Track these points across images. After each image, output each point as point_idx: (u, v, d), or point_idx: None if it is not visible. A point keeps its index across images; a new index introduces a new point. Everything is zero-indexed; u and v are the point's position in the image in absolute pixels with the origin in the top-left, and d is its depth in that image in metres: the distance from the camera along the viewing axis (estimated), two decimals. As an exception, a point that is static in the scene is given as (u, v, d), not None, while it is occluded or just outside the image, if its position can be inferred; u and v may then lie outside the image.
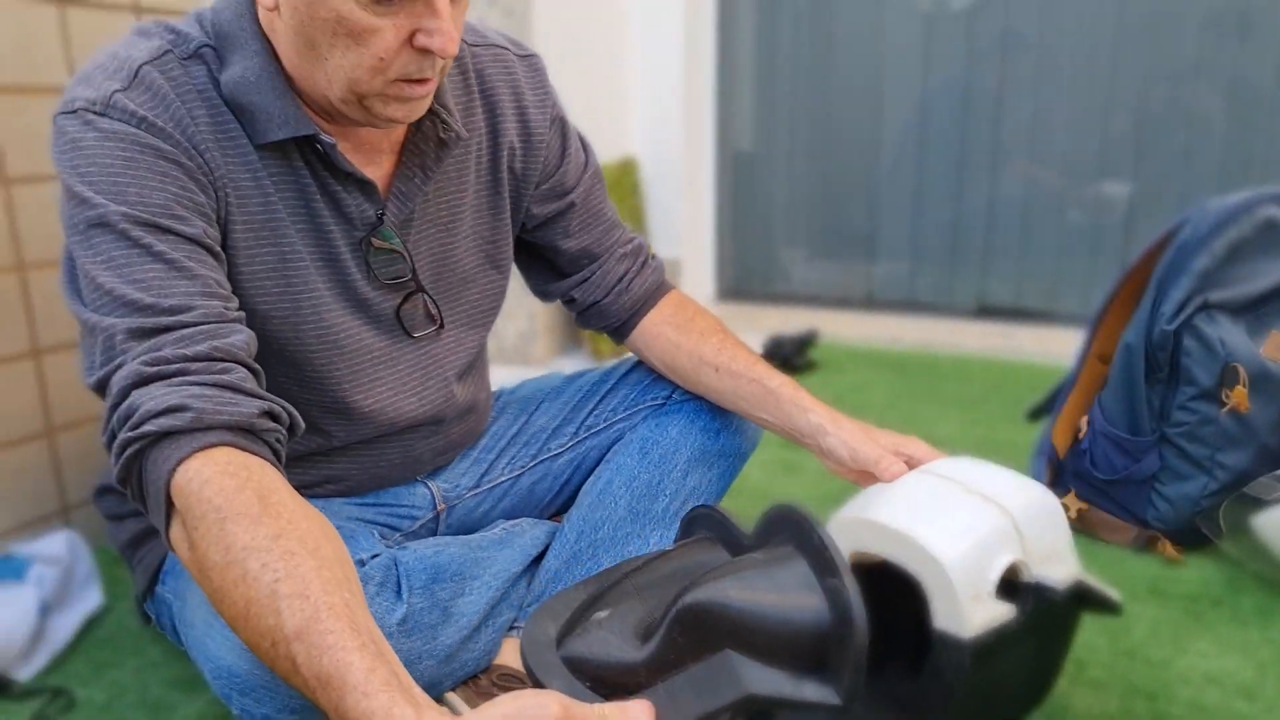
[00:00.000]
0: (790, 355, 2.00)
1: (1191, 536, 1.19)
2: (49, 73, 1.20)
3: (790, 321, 2.42)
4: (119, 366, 0.70)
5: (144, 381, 0.69)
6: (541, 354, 2.14)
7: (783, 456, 1.57)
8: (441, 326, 0.96)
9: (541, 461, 1.13)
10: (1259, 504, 1.07)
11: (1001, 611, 0.76)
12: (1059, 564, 0.80)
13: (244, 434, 0.70)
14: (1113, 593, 0.83)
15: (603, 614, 0.69)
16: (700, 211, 2.61)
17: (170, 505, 0.68)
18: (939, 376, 1.97)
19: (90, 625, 1.12)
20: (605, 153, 2.34)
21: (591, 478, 1.08)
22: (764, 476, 1.46)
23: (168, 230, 0.74)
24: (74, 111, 0.75)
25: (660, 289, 1.09)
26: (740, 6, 2.51)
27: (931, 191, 2.43)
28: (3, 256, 1.17)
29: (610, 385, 1.14)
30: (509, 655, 0.92)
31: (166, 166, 0.76)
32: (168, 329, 0.71)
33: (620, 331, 1.09)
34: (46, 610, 1.08)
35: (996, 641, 0.75)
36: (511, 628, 0.95)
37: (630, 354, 1.16)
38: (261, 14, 0.79)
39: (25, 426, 1.22)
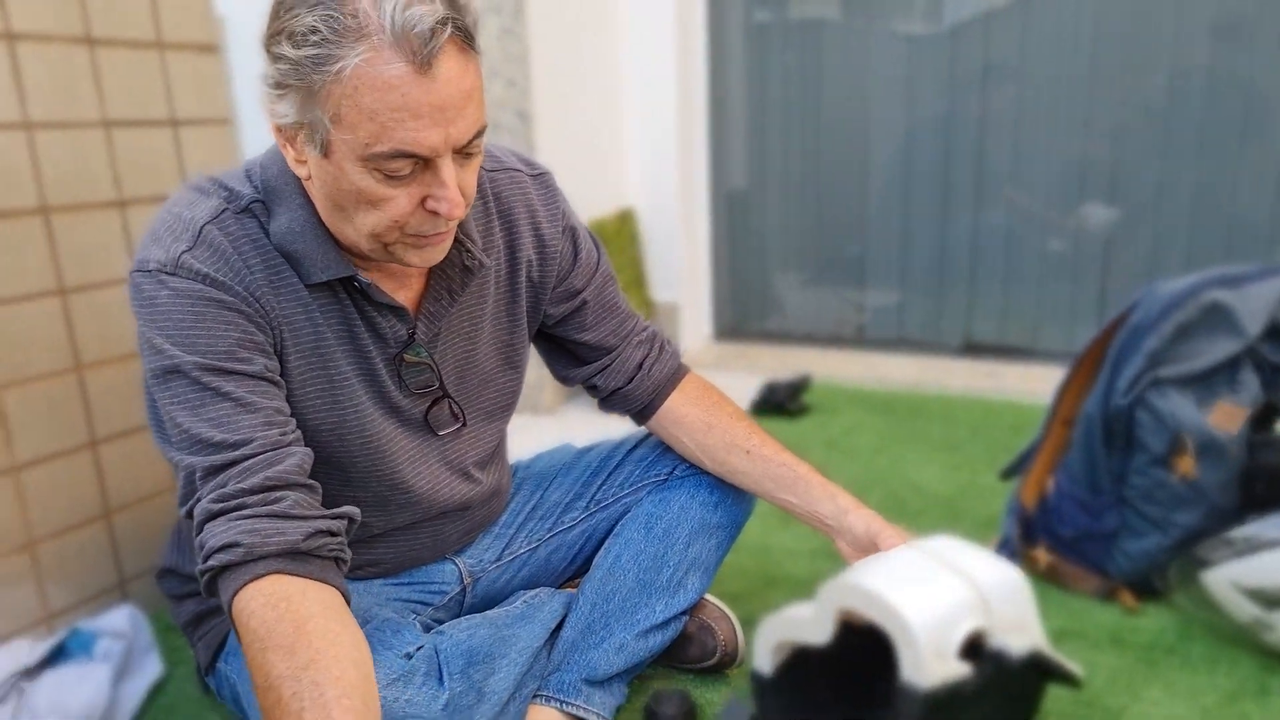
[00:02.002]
0: (784, 400, 2.11)
1: (1149, 587, 1.30)
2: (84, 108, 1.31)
3: (785, 360, 2.53)
4: (197, 502, 0.85)
5: (212, 518, 0.83)
6: (549, 402, 2.26)
7: (778, 510, 1.69)
8: (464, 425, 1.08)
9: (556, 534, 1.24)
10: (1205, 562, 1.18)
11: (960, 670, 0.86)
12: (1020, 635, 0.91)
13: (293, 558, 0.82)
14: (1073, 666, 0.94)
15: None
16: (697, 254, 2.72)
17: (235, 625, 0.81)
18: (926, 418, 2.08)
19: (153, 693, 1.24)
20: (604, 205, 2.47)
21: (601, 551, 1.19)
22: (762, 529, 1.57)
23: (232, 372, 0.87)
24: (149, 271, 0.88)
25: (678, 372, 1.20)
26: (730, 49, 2.62)
27: (918, 222, 2.53)
28: (63, 359, 1.29)
29: (617, 461, 1.25)
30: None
31: (230, 315, 0.88)
32: (232, 463, 0.85)
33: (643, 414, 1.19)
34: (116, 681, 1.20)
35: (952, 697, 0.86)
36: (535, 695, 1.06)
37: (635, 430, 1.28)
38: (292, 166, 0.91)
39: (86, 510, 1.34)
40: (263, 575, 0.80)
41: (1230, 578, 1.16)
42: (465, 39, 0.82)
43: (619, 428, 1.28)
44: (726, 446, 1.14)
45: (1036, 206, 2.41)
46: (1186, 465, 1.22)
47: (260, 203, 0.92)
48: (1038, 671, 0.95)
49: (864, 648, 0.90)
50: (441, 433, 1.06)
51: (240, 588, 0.80)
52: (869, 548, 1.04)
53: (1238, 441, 1.24)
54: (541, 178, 1.11)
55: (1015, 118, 2.38)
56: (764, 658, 0.99)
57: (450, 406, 1.06)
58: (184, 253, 0.87)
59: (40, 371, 1.27)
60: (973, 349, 2.50)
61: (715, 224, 2.73)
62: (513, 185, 1.08)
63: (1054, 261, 2.42)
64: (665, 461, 1.22)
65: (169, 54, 1.38)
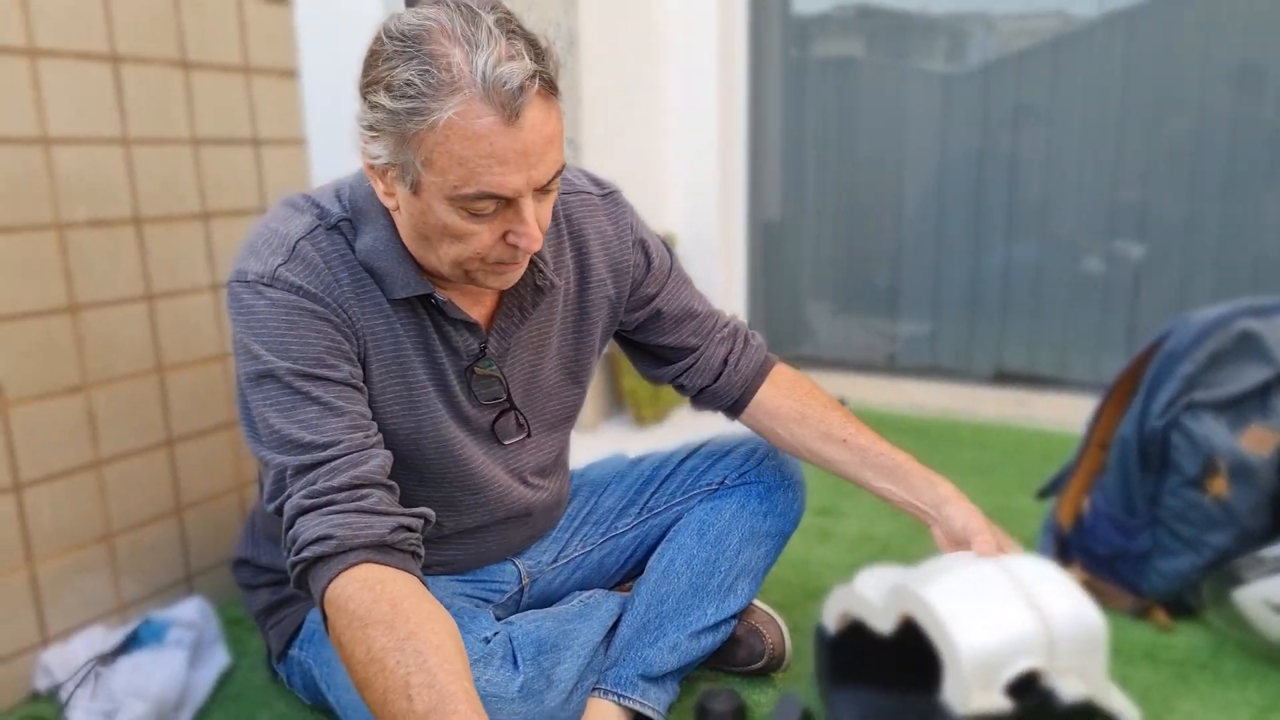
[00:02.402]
0: (819, 422, 2.15)
1: (1182, 606, 1.34)
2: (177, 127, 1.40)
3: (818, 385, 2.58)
4: (288, 498, 0.91)
5: (303, 513, 0.89)
6: (590, 419, 2.32)
7: (818, 524, 1.74)
8: (529, 435, 1.13)
9: (610, 539, 1.30)
10: (1237, 581, 1.22)
11: (1001, 704, 0.88)
12: (1078, 680, 0.91)
13: (380, 550, 0.88)
14: (1130, 716, 0.93)
15: None
16: (733, 280, 2.79)
17: (324, 613, 0.87)
18: (959, 443, 2.13)
19: (221, 682, 1.29)
20: (646, 231, 2.54)
21: (655, 555, 1.24)
22: (802, 545, 1.62)
23: (321, 378, 0.93)
24: (247, 282, 0.94)
25: (765, 365, 1.22)
26: (769, 86, 2.71)
27: (950, 255, 2.59)
28: (144, 360, 1.37)
29: (669, 471, 1.30)
30: (592, 714, 1.09)
31: (320, 325, 0.94)
32: (322, 463, 0.91)
33: (735, 409, 1.22)
34: (189, 667, 1.26)
35: None
36: (594, 689, 1.11)
37: (685, 441, 1.33)
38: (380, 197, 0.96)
39: (160, 506, 1.41)
40: (354, 564, 0.86)
41: (1262, 595, 1.20)
42: (549, 89, 0.86)
43: (645, 444, 1.31)
44: (822, 436, 1.16)
45: (1068, 241, 2.47)
46: (1219, 487, 1.26)
47: (348, 221, 0.98)
48: (1085, 715, 0.94)
49: (924, 638, 0.93)
50: (507, 442, 1.11)
51: (335, 576, 0.86)
52: (963, 544, 1.05)
53: (1269, 465, 1.28)
54: (611, 197, 1.16)
55: (1046, 156, 2.45)
56: (830, 619, 1.04)
57: (516, 417, 1.11)
58: (280, 266, 0.94)
59: (126, 372, 1.34)
60: (1003, 378, 2.54)
61: (751, 252, 2.80)
62: (584, 207, 1.13)
63: (1084, 294, 2.47)
64: (717, 471, 1.27)
65: (254, 78, 1.48)
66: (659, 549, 1.25)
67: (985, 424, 2.29)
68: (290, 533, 0.89)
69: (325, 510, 0.89)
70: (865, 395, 2.49)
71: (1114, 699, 0.96)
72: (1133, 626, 1.35)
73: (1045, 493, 1.50)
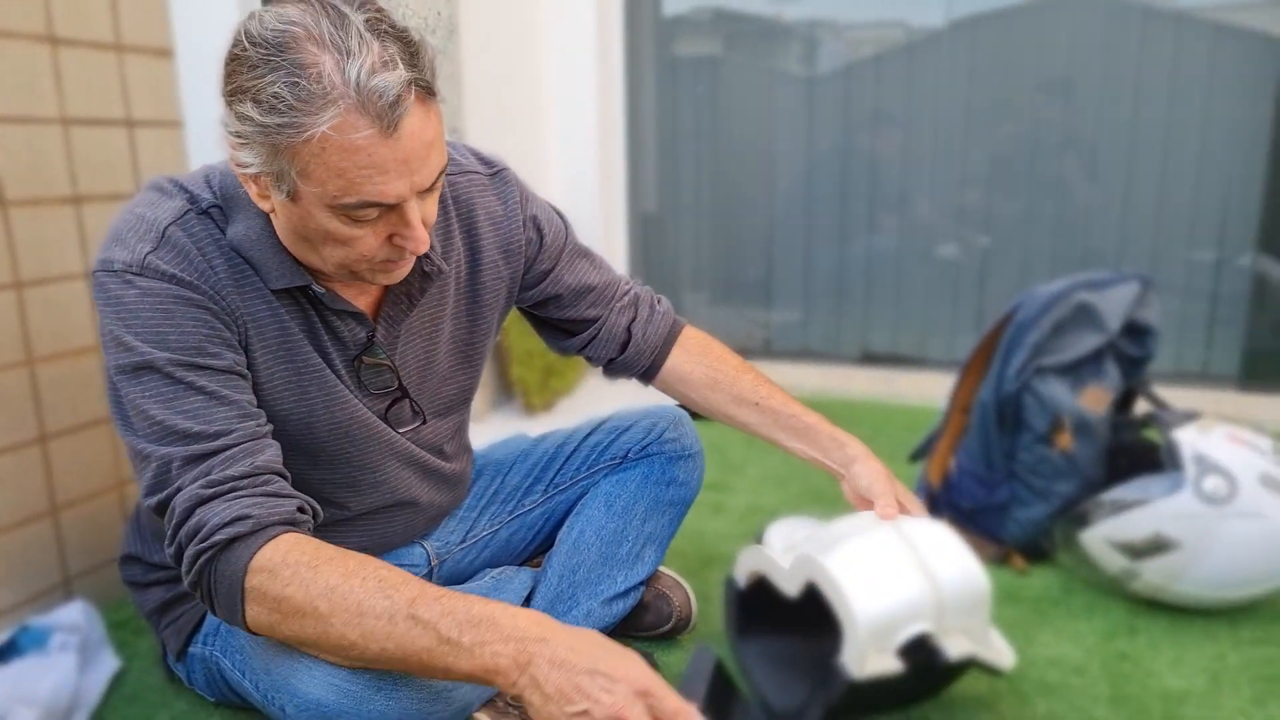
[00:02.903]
0: (704, 405, 2.24)
1: (1037, 551, 1.50)
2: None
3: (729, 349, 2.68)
4: (177, 490, 0.87)
5: (203, 501, 0.86)
6: (479, 409, 2.32)
7: (710, 499, 1.82)
8: (424, 421, 1.12)
9: (517, 516, 1.32)
10: (1083, 524, 1.38)
11: (893, 665, 0.97)
12: (963, 638, 1.00)
13: (291, 526, 0.88)
14: (1006, 659, 1.03)
15: None
16: (611, 266, 2.85)
17: (243, 594, 0.85)
18: (833, 420, 2.26)
19: (113, 685, 1.23)
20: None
21: (564, 528, 1.28)
22: (696, 518, 1.69)
23: (204, 367, 0.90)
24: (114, 271, 0.89)
25: (674, 330, 1.23)
26: (644, 82, 2.78)
27: (818, 246, 2.75)
28: (12, 353, 1.28)
29: (573, 447, 1.34)
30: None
31: (197, 313, 0.90)
32: (214, 453, 0.88)
33: (646, 376, 1.23)
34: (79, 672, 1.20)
35: (877, 682, 0.96)
36: (513, 658, 1.14)
37: (588, 416, 1.37)
38: (254, 199, 0.90)
39: (33, 506, 1.33)
40: (275, 536, 0.86)
41: (1103, 535, 1.36)
42: (427, 93, 0.83)
43: (535, 432, 1.34)
44: (735, 400, 1.19)
45: (923, 233, 2.67)
46: (1065, 441, 1.42)
47: (219, 208, 0.94)
48: (967, 664, 1.05)
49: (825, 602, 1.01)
50: (401, 430, 1.09)
51: (258, 549, 0.85)
52: (867, 502, 1.10)
53: (1104, 421, 1.45)
54: (499, 175, 1.13)
55: (902, 154, 2.64)
56: (740, 575, 1.11)
57: (410, 405, 1.09)
58: (149, 253, 0.89)
59: (-7, 365, 1.26)
60: (869, 359, 2.72)
61: (631, 243, 2.87)
62: (471, 188, 1.10)
63: (938, 281, 2.68)
64: (619, 445, 1.31)
65: (127, 56, 1.41)
66: (568, 522, 1.28)
67: (855, 401, 2.45)
68: (190, 522, 0.86)
69: (230, 496, 0.86)
70: (745, 379, 2.60)
71: (994, 644, 1.05)
72: (995, 572, 1.49)
73: (916, 455, 1.64)
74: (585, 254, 1.23)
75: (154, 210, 0.92)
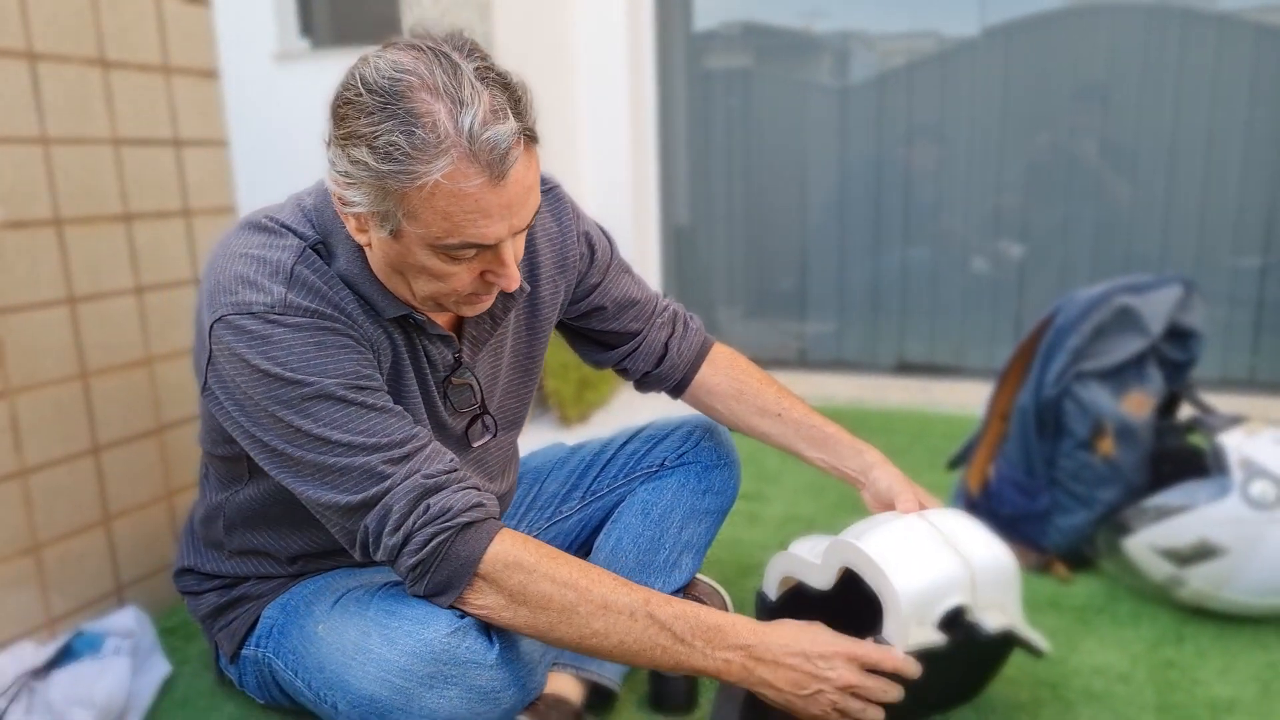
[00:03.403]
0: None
1: (1080, 559, 1.48)
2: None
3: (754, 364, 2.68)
4: (391, 486, 0.91)
5: (431, 491, 0.91)
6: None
7: (746, 509, 1.82)
8: (495, 435, 1.15)
9: (555, 523, 1.33)
10: (1126, 531, 1.36)
11: (935, 638, 0.98)
12: (999, 613, 1.02)
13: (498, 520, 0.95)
14: (1041, 642, 1.06)
15: None
16: (648, 283, 2.87)
17: (474, 578, 0.91)
18: (869, 430, 2.24)
19: (164, 689, 1.27)
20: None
21: (602, 535, 1.29)
22: (732, 528, 1.69)
23: (368, 388, 0.93)
24: (254, 314, 0.90)
25: (705, 346, 1.28)
26: (675, 96, 2.80)
27: (852, 258, 2.75)
28: (68, 366, 1.33)
29: (610, 455, 1.35)
30: (553, 686, 1.13)
31: (345, 341, 0.93)
32: (413, 454, 0.93)
33: (677, 390, 1.27)
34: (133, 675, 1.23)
35: (923, 656, 0.97)
36: (554, 664, 1.15)
37: (623, 427, 1.39)
38: (350, 233, 0.93)
39: (88, 515, 1.37)
40: (501, 529, 0.93)
41: (1147, 541, 1.34)
42: (531, 139, 0.87)
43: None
44: (758, 411, 1.23)
45: (959, 243, 2.66)
46: (1107, 446, 1.40)
47: (323, 244, 0.97)
48: (1007, 643, 1.07)
49: (859, 591, 1.02)
50: (475, 444, 1.12)
51: (493, 538, 0.92)
52: (888, 505, 1.13)
53: (1147, 426, 1.43)
54: (552, 192, 1.17)
55: (936, 164, 2.63)
56: (771, 586, 1.11)
57: (484, 420, 1.13)
58: (286, 293, 0.91)
59: (50, 378, 1.30)
60: (905, 368, 2.70)
61: (665, 256, 2.89)
62: None
63: (975, 291, 2.65)
64: (656, 453, 1.32)
65: (174, 78, 1.46)
66: (605, 529, 1.29)
67: (892, 411, 2.43)
68: (420, 509, 0.90)
69: (455, 487, 0.92)
70: (779, 389, 2.59)
71: (1028, 630, 1.07)
72: (1037, 581, 1.48)
73: (955, 463, 1.62)
74: (628, 270, 1.27)
75: (272, 251, 0.94)
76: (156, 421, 1.46)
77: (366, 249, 0.95)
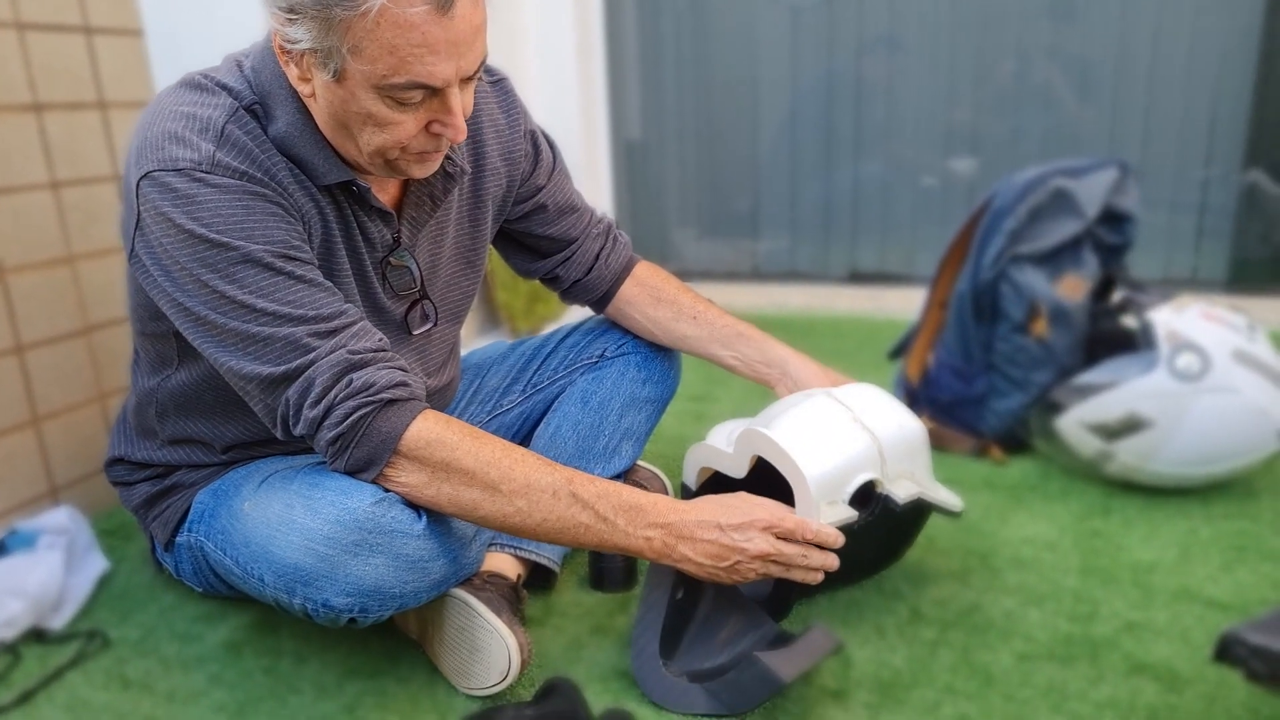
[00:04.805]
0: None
1: (1015, 442, 1.51)
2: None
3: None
4: (315, 359, 0.89)
5: (355, 366, 0.90)
6: (466, 334, 2.32)
7: (694, 408, 1.83)
8: (435, 324, 1.14)
9: (496, 416, 1.33)
10: (1056, 408, 1.39)
11: (848, 514, 1.00)
12: (909, 482, 1.05)
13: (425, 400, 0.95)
14: (955, 503, 1.08)
15: None
16: (598, 200, 2.82)
17: (394, 454, 0.90)
18: (819, 336, 2.27)
19: (102, 584, 1.26)
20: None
21: (542, 424, 1.29)
22: (677, 424, 1.70)
23: (296, 259, 0.91)
24: (180, 170, 0.87)
25: (630, 261, 1.29)
26: (624, 9, 2.73)
27: (805, 172, 2.73)
28: (-14, 262, 1.28)
29: (551, 348, 1.35)
30: (491, 564, 1.13)
31: (273, 208, 0.91)
32: (340, 329, 0.91)
33: (602, 302, 1.29)
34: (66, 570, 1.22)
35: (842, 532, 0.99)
36: (491, 544, 1.16)
37: (562, 324, 1.38)
38: (293, 82, 0.91)
39: (13, 416, 1.34)
40: (425, 409, 0.93)
41: (1077, 418, 1.37)
42: None
43: None
44: (674, 315, 1.26)
45: (910, 157, 2.65)
46: (1041, 328, 1.42)
47: (259, 104, 0.94)
48: (920, 511, 1.10)
49: (775, 474, 1.03)
50: (415, 332, 1.11)
51: (415, 416, 0.91)
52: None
53: (1082, 309, 1.45)
54: (500, 84, 1.15)
55: (887, 80, 2.60)
56: (690, 476, 1.12)
57: (423, 307, 1.11)
58: (215, 151, 0.88)
59: (-37, 273, 1.26)
60: (857, 277, 2.71)
61: (615, 173, 2.84)
62: (476, 95, 1.10)
63: (925, 204, 2.66)
64: (596, 345, 1.32)
65: (97, 39, 1.38)
66: (545, 419, 1.29)
67: (841, 317, 2.44)
68: (343, 383, 0.89)
69: (379, 365, 0.91)
70: (731, 300, 2.58)
71: (940, 493, 1.10)
72: (974, 464, 1.51)
73: (895, 354, 1.64)
74: (570, 177, 1.27)
75: (203, 109, 0.91)
76: (84, 322, 1.42)
77: (310, 102, 0.92)
